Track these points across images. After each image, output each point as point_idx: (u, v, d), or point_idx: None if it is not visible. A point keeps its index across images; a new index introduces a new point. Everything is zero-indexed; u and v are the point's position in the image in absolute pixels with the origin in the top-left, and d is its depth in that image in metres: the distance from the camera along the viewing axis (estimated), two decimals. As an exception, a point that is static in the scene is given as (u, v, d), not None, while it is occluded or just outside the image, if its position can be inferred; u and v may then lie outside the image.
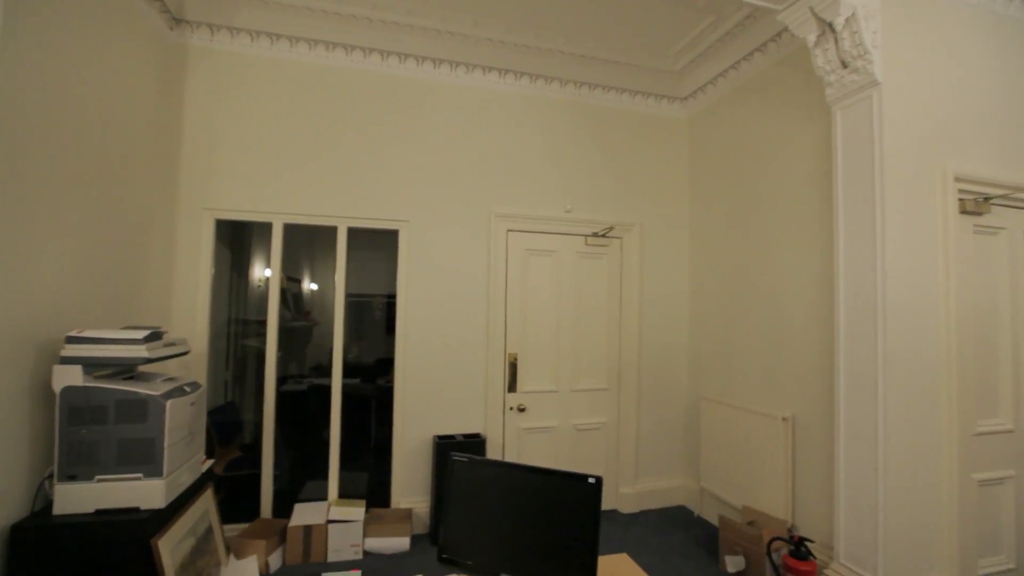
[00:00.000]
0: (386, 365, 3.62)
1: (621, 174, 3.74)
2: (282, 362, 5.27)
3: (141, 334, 2.03)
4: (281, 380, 4.98)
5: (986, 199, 2.47)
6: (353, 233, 3.30)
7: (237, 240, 4.45)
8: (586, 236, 3.64)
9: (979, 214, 2.49)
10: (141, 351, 2.01)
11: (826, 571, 2.45)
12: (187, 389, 2.22)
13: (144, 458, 1.98)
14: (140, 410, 1.98)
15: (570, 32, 3.26)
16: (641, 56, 3.54)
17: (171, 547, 2.05)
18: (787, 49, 2.95)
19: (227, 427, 3.55)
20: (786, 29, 2.72)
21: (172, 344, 2.27)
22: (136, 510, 1.96)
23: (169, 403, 2.02)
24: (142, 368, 2.33)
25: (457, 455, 1.47)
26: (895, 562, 2.22)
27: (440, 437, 3.22)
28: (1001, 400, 2.53)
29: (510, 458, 3.41)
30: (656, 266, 3.79)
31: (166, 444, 2.01)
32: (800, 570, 2.40)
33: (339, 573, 1.30)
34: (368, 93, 3.25)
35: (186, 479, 2.24)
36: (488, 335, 3.40)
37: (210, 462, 2.62)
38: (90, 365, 1.97)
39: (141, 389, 1.99)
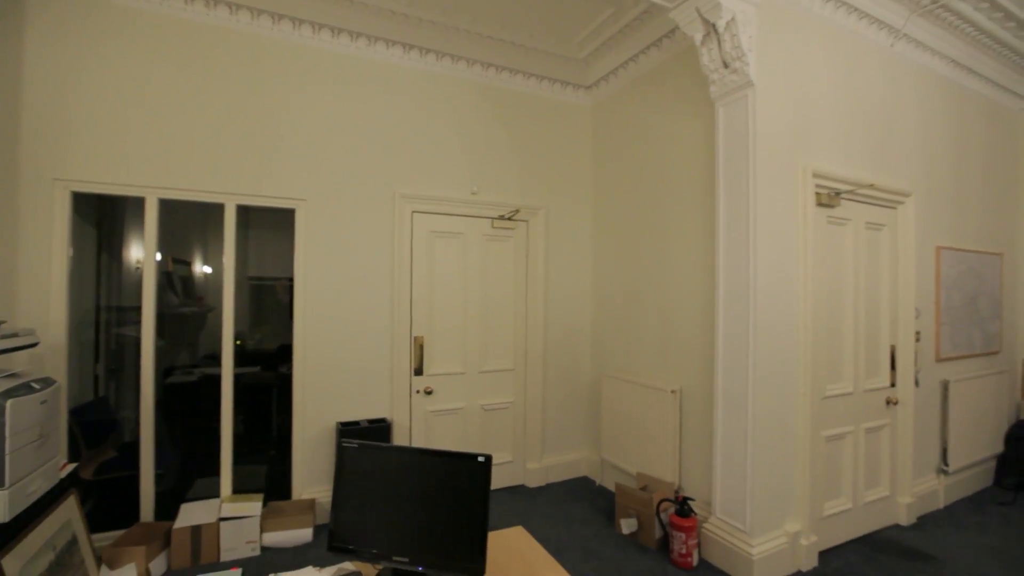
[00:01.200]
0: (289, 351, 3.43)
1: (528, 158, 3.79)
2: (169, 351, 4.81)
3: (-30, 325, 1.74)
4: (167, 371, 4.56)
5: (837, 193, 2.82)
6: (250, 212, 3.06)
7: (107, 217, 3.94)
8: (492, 219, 3.66)
9: (831, 207, 2.84)
10: (-30, 345, 1.73)
11: (705, 524, 2.74)
12: (35, 386, 1.95)
13: (-20, 467, 1.72)
14: (-28, 413, 1.71)
15: (475, 12, 3.21)
16: (547, 41, 3.58)
17: (21, 565, 1.82)
18: (679, 46, 3.13)
19: (97, 426, 3.17)
20: (677, 27, 2.89)
21: (13, 336, 1.97)
22: (-28, 526, 1.71)
23: (9, 403, 1.76)
24: (-24, 365, 2.01)
25: (346, 441, 1.43)
26: (760, 512, 2.53)
27: (344, 424, 3.13)
28: (844, 367, 2.95)
29: (417, 441, 3.40)
30: (561, 249, 3.92)
31: (7, 450, 1.76)
32: (683, 526, 2.65)
33: (218, 573, 1.23)
34: (260, 60, 2.99)
35: (39, 487, 1.98)
36: (393, 318, 3.33)
37: (71, 466, 2.34)
38: (-99, 363, 1.66)
39: (-28, 389, 1.71)
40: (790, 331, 2.66)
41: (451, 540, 1.33)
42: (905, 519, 3.12)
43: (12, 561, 1.78)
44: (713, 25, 2.50)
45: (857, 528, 2.96)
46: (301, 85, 3.09)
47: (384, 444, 1.43)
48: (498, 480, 3.69)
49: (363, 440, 3.03)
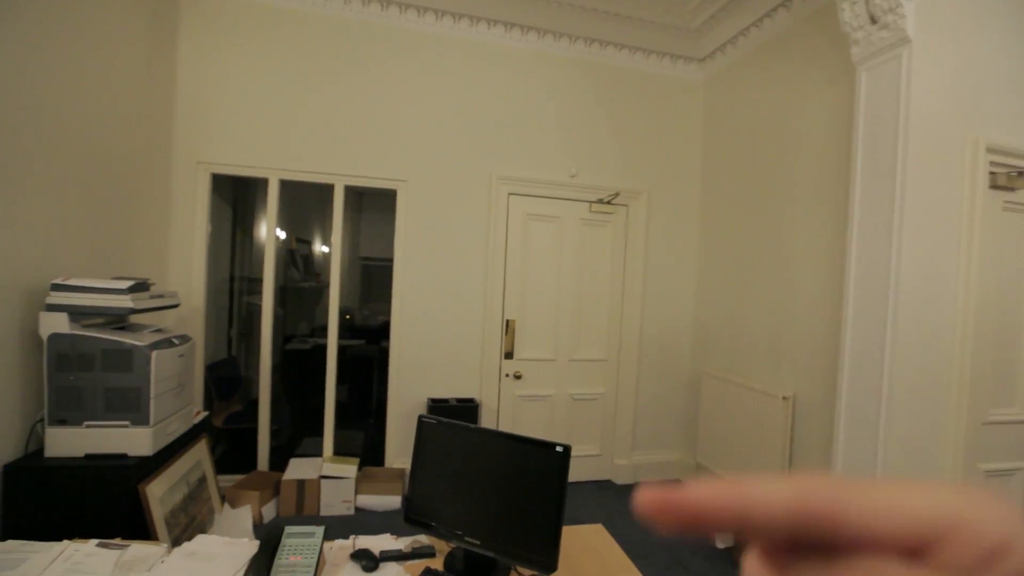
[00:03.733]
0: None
1: (630, 138, 3.57)
2: (289, 321, 5.36)
3: (126, 284, 2.02)
4: (286, 339, 5.06)
5: (1020, 173, 2.27)
6: (363, 196, 3.26)
7: (241, 197, 4.44)
8: (591, 202, 3.51)
9: (1011, 189, 2.30)
10: (126, 301, 2.00)
11: (815, 551, 2.41)
12: (175, 341, 2.22)
13: (131, 406, 2.00)
14: (126, 359, 1.98)
15: (582, -18, 3.06)
16: (656, 11, 3.32)
17: (160, 494, 2.09)
18: (813, 4, 2.72)
19: (227, 382, 3.61)
20: (815, -20, 2.50)
21: (160, 296, 2.26)
22: (124, 456, 1.99)
23: (155, 353, 2.02)
24: (133, 319, 2.34)
25: (425, 416, 1.43)
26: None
27: (434, 400, 3.22)
28: (1018, 389, 2.40)
29: (504, 424, 3.40)
30: (663, 236, 3.66)
31: (152, 394, 2.02)
32: (788, 549, 2.35)
33: (304, 527, 1.29)
34: (367, 45, 3.13)
35: (176, 429, 2.27)
36: (486, 300, 3.34)
37: (204, 414, 2.66)
38: (77, 314, 1.98)
39: (127, 339, 1.99)
40: (942, 340, 2.21)
41: (524, 529, 1.27)
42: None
43: (154, 489, 2.06)
44: (861, -28, 2.11)
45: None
46: (404, 69, 3.18)
47: (462, 423, 1.41)
48: (584, 472, 3.58)
49: (450, 417, 3.12)
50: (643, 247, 3.59)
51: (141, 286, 2.10)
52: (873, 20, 2.17)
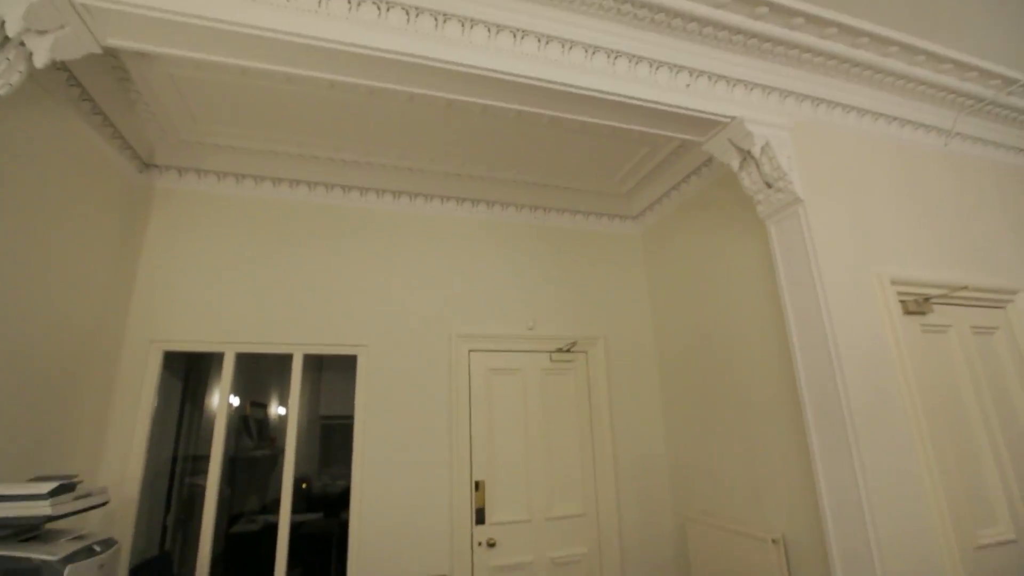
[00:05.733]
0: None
1: (582, 290, 3.83)
2: (236, 499, 4.84)
3: (47, 487, 1.82)
4: (232, 520, 4.53)
5: (926, 299, 2.54)
6: (320, 357, 3.24)
7: (193, 370, 4.30)
8: (551, 352, 3.60)
9: (923, 313, 2.54)
10: (44, 508, 1.79)
11: None
12: (96, 549, 1.95)
13: (31, 639, 1.67)
14: (32, 580, 1.71)
15: (521, 164, 3.53)
16: (590, 181, 3.82)
17: None
18: (719, 172, 3.21)
19: (154, 588, 3.10)
20: (713, 157, 2.99)
21: (87, 496, 2.04)
22: None
23: (68, 569, 1.75)
24: (49, 525, 2.07)
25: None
26: None
27: (398, 586, 2.84)
28: (996, 508, 2.37)
29: (479, 607, 3.00)
30: (625, 378, 3.72)
31: (59, 621, 1.71)
32: None
33: None
34: (329, 224, 3.38)
35: (83, 664, 1.88)
36: (453, 461, 3.18)
37: (121, 637, 2.23)
38: (-16, 528, 1.74)
39: (35, 554, 1.74)
40: (909, 465, 2.22)
41: None
42: None
43: None
44: (748, 151, 2.55)
45: None
46: (362, 241, 3.41)
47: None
48: (575, 657, 3.10)
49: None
50: (606, 391, 3.62)
51: (65, 488, 1.90)
52: (768, 185, 2.56)
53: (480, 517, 3.16)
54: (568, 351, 3.62)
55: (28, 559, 1.72)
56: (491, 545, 3.13)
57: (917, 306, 2.54)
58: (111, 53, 2.40)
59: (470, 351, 3.43)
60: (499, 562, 3.12)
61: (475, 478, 3.21)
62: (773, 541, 2.63)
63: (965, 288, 2.54)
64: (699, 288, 3.40)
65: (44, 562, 1.73)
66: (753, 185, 2.62)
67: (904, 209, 2.70)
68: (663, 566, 3.43)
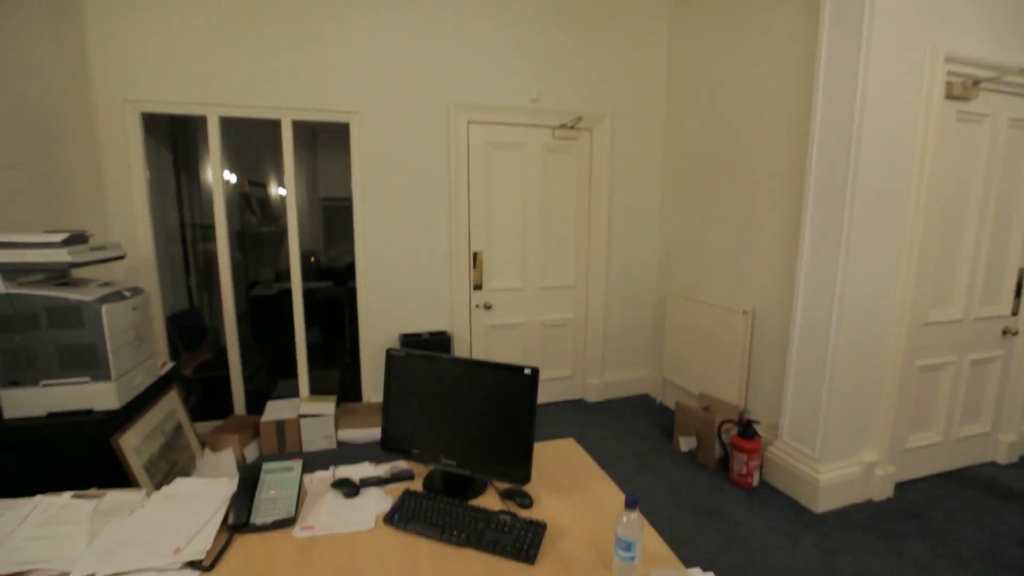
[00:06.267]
0: (356, 267, 3.54)
1: (594, 61, 3.40)
2: (251, 267, 5.19)
3: (59, 237, 1.88)
4: (251, 285, 4.93)
5: (975, 83, 2.28)
6: (318, 133, 3.05)
7: (181, 138, 4.11)
8: (553, 128, 3.40)
9: (966, 99, 2.32)
10: (62, 255, 1.88)
11: (769, 448, 2.63)
12: (126, 294, 2.12)
13: (89, 362, 1.94)
14: (74, 315, 1.89)
15: None
16: (618, -92, 3.05)
17: (136, 444, 2.09)
18: (783, -101, 2.54)
19: (191, 332, 3.52)
20: None
21: (102, 248, 2.13)
22: (90, 412, 1.96)
23: (105, 307, 1.93)
24: (77, 274, 2.22)
25: (393, 350, 1.43)
26: (832, 439, 2.38)
27: (406, 335, 3.24)
28: (956, 291, 2.57)
29: (477, 354, 3.48)
30: (627, 160, 3.61)
31: (109, 348, 1.95)
32: (746, 447, 2.57)
33: (283, 462, 1.32)
34: (300, -45, 2.80)
35: (142, 380, 2.23)
36: (451, 233, 3.29)
37: (171, 365, 2.61)
38: (13, 271, 1.85)
39: (72, 295, 1.89)
40: (892, 247, 2.31)
41: (498, 447, 1.33)
42: (1004, 457, 2.83)
43: (129, 440, 2.06)
44: None
45: (945, 462, 2.73)
46: (347, -17, 2.88)
47: (429, 353, 1.42)
48: (557, 393, 3.75)
49: (423, 350, 3.16)
50: (607, 172, 3.54)
51: (78, 238, 1.96)
52: (841, -86, 2.05)
53: (478, 284, 3.43)
54: (572, 128, 3.42)
55: (66, 299, 1.87)
56: (488, 308, 3.47)
57: (963, 90, 2.30)
58: None
59: (469, 122, 3.22)
60: (494, 322, 3.51)
61: (473, 249, 3.37)
62: (743, 312, 2.91)
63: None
64: (723, 67, 3.03)
65: (82, 302, 1.89)
66: (824, -87, 2.09)
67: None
68: (642, 333, 3.88)
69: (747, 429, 2.61)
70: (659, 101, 3.62)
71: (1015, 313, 2.72)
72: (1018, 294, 2.70)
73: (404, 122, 3.10)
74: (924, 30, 2.16)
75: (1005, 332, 2.71)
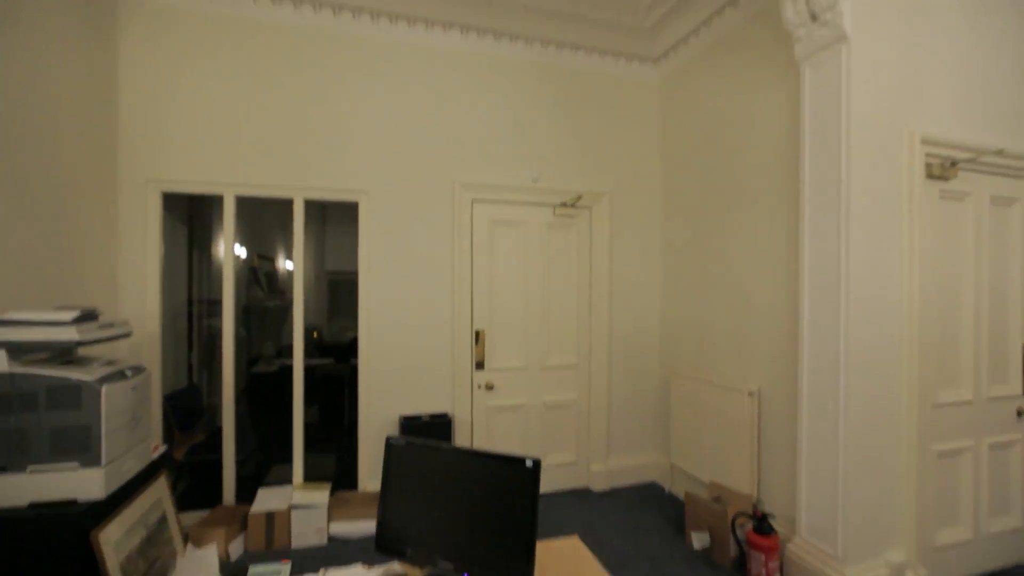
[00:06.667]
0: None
1: (591, 141, 3.62)
2: (254, 343, 5.19)
3: (70, 315, 1.90)
4: (251, 362, 4.90)
5: (953, 163, 2.40)
6: (327, 209, 3.18)
7: (197, 215, 4.29)
8: (554, 206, 3.54)
9: (945, 179, 2.43)
10: (71, 333, 1.89)
11: (788, 545, 2.46)
12: (128, 373, 2.11)
13: (80, 446, 1.88)
14: (73, 396, 1.87)
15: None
16: (609, 11, 3.37)
17: (116, 539, 1.97)
18: (759, 2, 2.82)
19: (188, 411, 3.45)
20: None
21: (110, 326, 2.15)
22: (74, 502, 1.87)
23: (105, 388, 1.91)
24: (81, 352, 2.22)
25: (393, 438, 1.40)
26: (855, 535, 2.23)
27: (406, 417, 3.16)
28: (962, 371, 2.52)
29: (479, 437, 3.37)
30: (627, 236, 3.71)
31: (104, 431, 1.90)
32: (762, 545, 2.40)
33: (266, 565, 1.23)
34: (321, 53, 3.07)
35: (132, 467, 2.15)
36: (454, 311, 3.31)
37: (163, 448, 2.53)
38: (19, 350, 1.85)
39: (74, 374, 1.88)
40: (891, 327, 2.31)
41: (497, 547, 1.25)
42: (1044, 553, 2.63)
43: (109, 535, 1.94)
44: (799, -22, 2.21)
45: (980, 562, 2.53)
46: (362, 77, 3.14)
47: (431, 442, 1.38)
48: (561, 482, 3.58)
49: (424, 434, 3.07)
50: (607, 249, 3.63)
51: (88, 316, 1.99)
52: (813, 18, 2.27)
53: (480, 364, 3.40)
54: (572, 206, 3.55)
55: (67, 379, 1.86)
56: (489, 388, 3.41)
57: (942, 170, 2.41)
58: None
59: (473, 201, 3.36)
60: (496, 403, 3.43)
61: (476, 327, 3.38)
62: (749, 393, 2.85)
63: (1000, 152, 2.39)
64: (715, 144, 3.21)
65: (83, 382, 1.87)
66: (796, 17, 2.32)
67: (956, 56, 2.42)
68: (646, 414, 3.78)
69: (762, 524, 2.46)
70: (655, 179, 3.79)
71: (1028, 394, 2.65)
72: (1028, 374, 2.65)
73: (411, 201, 3.24)
74: (900, 113, 2.30)
75: (1020, 413, 2.63)
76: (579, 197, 3.52)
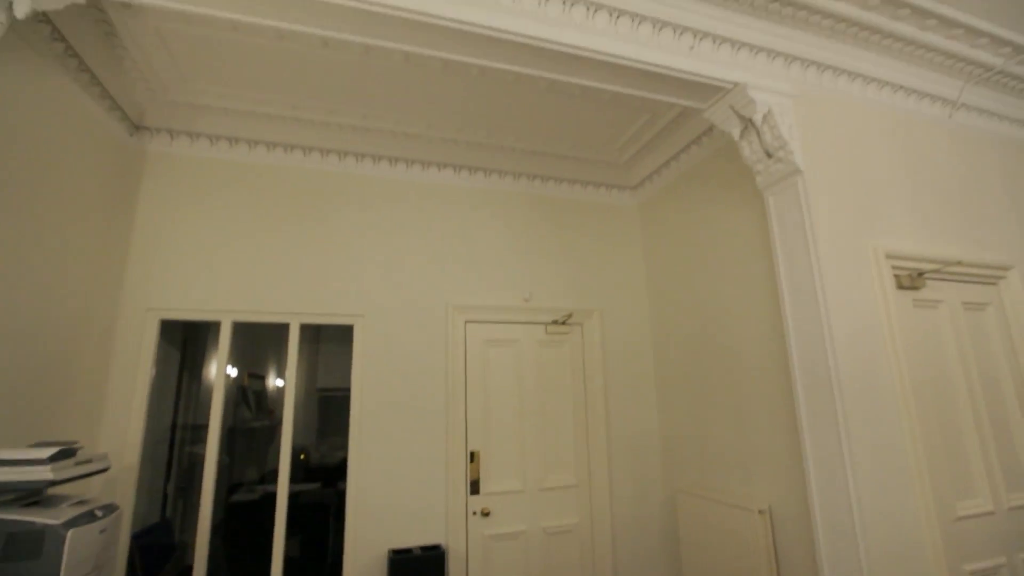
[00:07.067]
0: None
1: (579, 261, 3.81)
2: (236, 468, 4.91)
3: (47, 453, 1.83)
4: (232, 489, 4.60)
5: (920, 274, 2.54)
6: (319, 326, 3.24)
7: (191, 340, 4.30)
8: (546, 324, 3.61)
9: (916, 288, 2.55)
10: (45, 473, 1.80)
11: None
12: (98, 514, 1.97)
13: (33, 603, 1.70)
14: (34, 544, 1.73)
15: (519, 131, 3.45)
16: (588, 150, 3.76)
17: None
18: (719, 141, 3.16)
19: (156, 550, 3.17)
20: (714, 125, 2.94)
21: (88, 462, 2.05)
22: (14, 672, 1.65)
23: (70, 533, 1.78)
24: (51, 491, 2.10)
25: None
26: (897, 674, 1.98)
27: (396, 551, 2.91)
28: (976, 480, 2.43)
29: (474, 571, 3.08)
30: (619, 351, 3.75)
31: (62, 583, 1.74)
32: None
33: None
34: (324, 190, 3.33)
35: (86, 625, 1.92)
36: (448, 432, 3.22)
37: (124, 598, 2.29)
38: (-14, 492, 1.76)
39: (38, 518, 1.76)
40: (893, 436, 2.26)
41: None
42: None
43: None
44: (750, 119, 2.51)
45: None
46: (356, 210, 3.37)
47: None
48: (568, 620, 3.21)
49: (416, 570, 2.81)
50: (601, 365, 3.65)
51: (66, 453, 1.91)
52: (768, 155, 2.53)
53: (475, 487, 3.22)
54: (564, 323, 3.63)
55: (31, 523, 1.74)
56: (485, 515, 3.20)
57: (910, 281, 2.54)
58: (94, 4, 2.31)
59: (466, 322, 3.43)
60: (493, 531, 3.20)
61: (470, 448, 3.26)
62: (760, 512, 2.70)
63: (959, 263, 2.54)
64: (695, 262, 3.39)
65: (47, 526, 1.75)
66: (753, 155, 2.58)
67: (904, 181, 2.68)
68: (653, 536, 3.52)
69: (795, 665, 2.19)
70: (642, 294, 3.93)
71: (1051, 501, 2.53)
72: (1045, 479, 2.55)
73: (405, 323, 3.30)
74: (862, 231, 2.46)
75: (1049, 525, 2.48)
76: (570, 315, 3.62)
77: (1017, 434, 2.59)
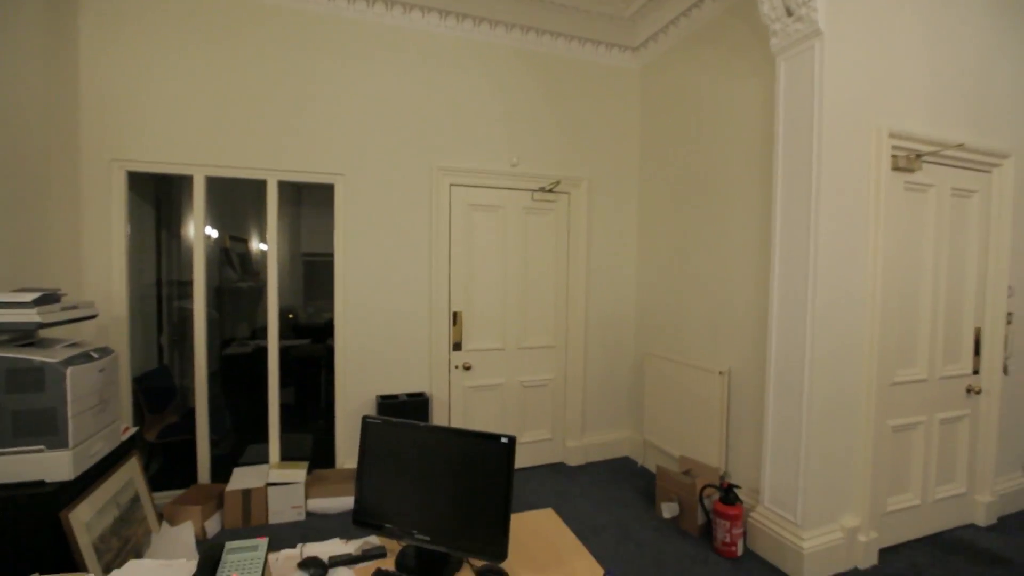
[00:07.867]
0: (335, 325, 3.50)
1: (570, 127, 3.62)
2: (227, 324, 5.08)
3: (31, 296, 1.84)
4: (225, 343, 4.81)
5: (917, 156, 2.49)
6: (302, 190, 3.12)
7: (165, 196, 4.13)
8: (532, 191, 3.54)
9: (910, 171, 2.52)
10: (32, 315, 1.84)
11: (752, 514, 2.59)
12: (94, 355, 2.06)
13: (46, 429, 1.84)
14: (36, 379, 1.82)
15: (515, -30, 3.03)
16: (590, 0, 3.35)
17: (87, 520, 1.96)
18: (736, -5, 2.84)
19: (159, 393, 3.39)
20: (735, -27, 2.61)
21: (74, 307, 2.09)
22: (41, 483, 1.84)
23: (70, 370, 1.87)
24: (43, 334, 2.15)
25: (369, 417, 1.41)
26: (813, 503, 2.36)
27: (383, 397, 3.17)
28: (919, 352, 2.66)
29: (456, 416, 3.41)
30: (605, 222, 3.75)
31: (70, 414, 1.87)
32: (728, 513, 2.52)
33: (246, 541, 1.25)
34: (296, 35, 2.97)
35: (101, 448, 2.12)
36: (432, 293, 3.31)
37: (133, 430, 2.49)
38: (-24, 332, 1.79)
39: (36, 356, 1.82)
40: (855, 311, 2.41)
41: (474, 521, 1.29)
42: (983, 519, 2.83)
43: (80, 515, 1.92)
44: (775, -33, 2.22)
45: (925, 526, 2.72)
46: (338, 58, 3.06)
47: (406, 421, 1.40)
48: (537, 457, 3.66)
49: (402, 413, 3.09)
50: (585, 234, 3.67)
51: (49, 298, 1.93)
52: (789, 12, 2.29)
53: (457, 344, 3.42)
54: (551, 191, 3.56)
55: (29, 360, 1.81)
56: (467, 368, 3.44)
57: (907, 163, 2.50)
58: None
59: (451, 185, 3.34)
60: (474, 383, 3.47)
61: (454, 309, 3.39)
62: (720, 373, 2.95)
63: (961, 146, 2.48)
64: (692, 132, 3.25)
65: (46, 363, 1.82)
66: (772, 11, 2.34)
67: (921, 54, 2.49)
68: (621, 393, 3.88)
69: (728, 494, 2.58)
70: (634, 166, 3.82)
71: (976, 372, 2.82)
72: (977, 353, 2.81)
73: (388, 184, 3.20)
74: (870, 107, 2.36)
75: (969, 391, 2.79)
76: (557, 183, 3.52)
77: (965, 316, 2.79)
